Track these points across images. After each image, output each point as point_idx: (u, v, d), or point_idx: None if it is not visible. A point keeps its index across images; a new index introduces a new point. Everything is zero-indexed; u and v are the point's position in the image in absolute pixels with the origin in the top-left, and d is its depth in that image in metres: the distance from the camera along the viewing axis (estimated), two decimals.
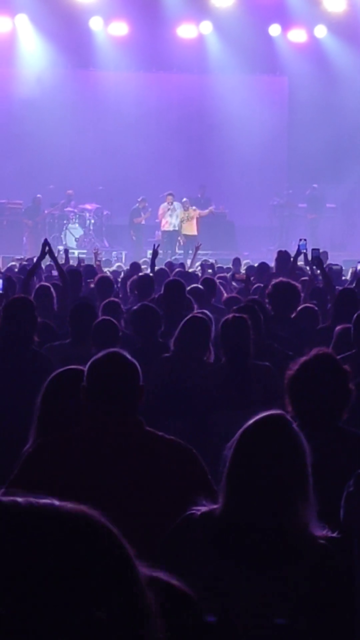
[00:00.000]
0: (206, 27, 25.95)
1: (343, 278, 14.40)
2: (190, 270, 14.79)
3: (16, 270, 14.72)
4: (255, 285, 10.73)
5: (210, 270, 14.89)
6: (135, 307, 7.64)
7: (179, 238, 23.80)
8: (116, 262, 20.53)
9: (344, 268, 15.75)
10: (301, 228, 23.96)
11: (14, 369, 6.23)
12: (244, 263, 16.83)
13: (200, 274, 13.85)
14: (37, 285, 9.68)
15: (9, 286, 10.72)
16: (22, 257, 19.17)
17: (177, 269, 14.02)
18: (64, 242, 23.26)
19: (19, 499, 1.08)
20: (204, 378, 6.10)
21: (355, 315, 6.46)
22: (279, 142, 26.59)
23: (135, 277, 11.04)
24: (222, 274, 13.97)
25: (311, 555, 2.90)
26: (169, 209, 23.76)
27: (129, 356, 3.62)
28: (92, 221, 24.44)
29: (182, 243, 23.70)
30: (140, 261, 16.36)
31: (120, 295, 10.87)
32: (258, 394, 5.87)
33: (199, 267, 15.94)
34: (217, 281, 11.46)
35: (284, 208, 25.96)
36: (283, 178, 27.16)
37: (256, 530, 2.89)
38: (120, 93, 26.00)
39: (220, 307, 9.45)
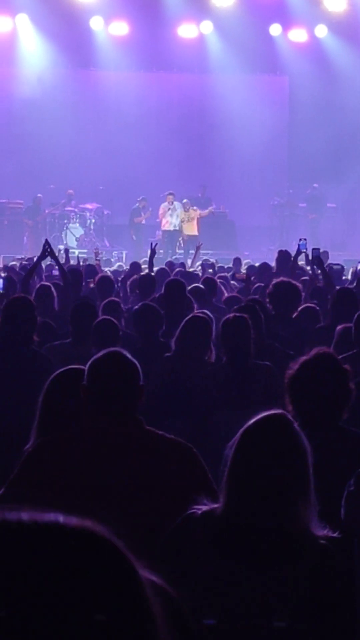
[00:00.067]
0: (206, 27, 25.93)
1: (344, 278, 14.38)
2: (191, 269, 14.78)
3: (17, 269, 14.70)
4: (256, 285, 10.72)
5: (210, 270, 14.88)
6: (136, 307, 7.63)
7: (181, 239, 23.79)
8: (117, 262, 20.54)
9: (344, 268, 15.73)
10: (302, 228, 23.93)
11: (14, 368, 6.23)
12: (245, 263, 16.81)
13: (200, 274, 13.84)
14: (38, 285, 9.68)
15: (10, 286, 10.72)
16: (23, 256, 19.17)
17: (178, 269, 14.01)
18: (64, 242, 23.23)
19: (24, 516, 1.08)
20: (204, 378, 6.09)
21: (357, 315, 6.45)
22: (279, 142, 26.57)
23: (136, 276, 11.04)
24: (222, 274, 13.95)
25: (312, 555, 2.89)
26: (169, 209, 23.75)
27: (129, 356, 3.61)
28: (93, 221, 24.44)
29: (183, 244, 23.69)
30: (141, 261, 16.34)
31: (121, 295, 10.86)
32: (259, 393, 5.87)
33: (200, 267, 15.94)
34: (218, 281, 11.44)
35: (285, 208, 25.94)
36: (283, 178, 27.16)
37: (257, 530, 2.88)
38: (120, 93, 25.99)
39: (221, 306, 9.44)
